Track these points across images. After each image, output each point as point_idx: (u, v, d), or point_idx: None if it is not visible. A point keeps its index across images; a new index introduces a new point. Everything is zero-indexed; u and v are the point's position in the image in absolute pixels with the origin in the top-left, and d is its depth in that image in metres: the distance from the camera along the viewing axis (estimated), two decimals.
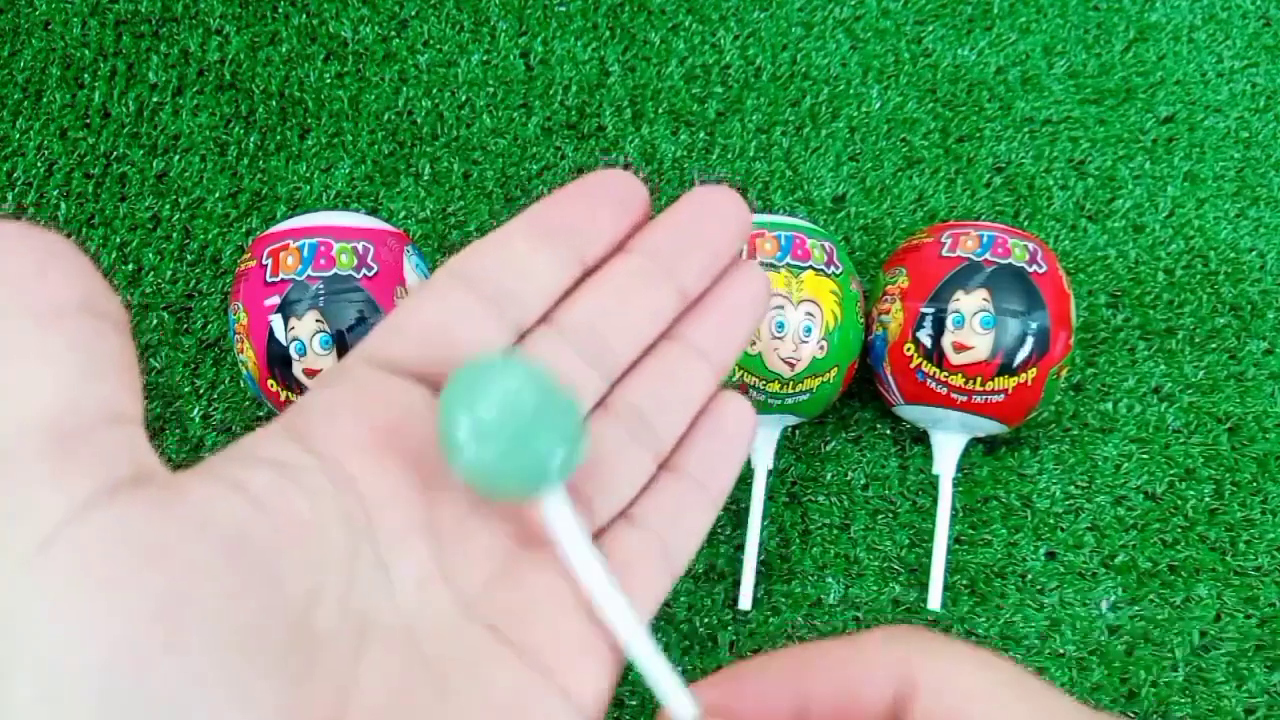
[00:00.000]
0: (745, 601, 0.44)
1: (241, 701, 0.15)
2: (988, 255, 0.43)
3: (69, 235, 0.51)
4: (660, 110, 0.55)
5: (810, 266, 0.43)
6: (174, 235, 0.51)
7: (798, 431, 0.48)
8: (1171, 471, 0.48)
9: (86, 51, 0.55)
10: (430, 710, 0.18)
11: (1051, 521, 0.47)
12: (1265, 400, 0.49)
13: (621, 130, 0.54)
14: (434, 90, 0.55)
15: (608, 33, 0.57)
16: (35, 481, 0.15)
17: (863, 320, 0.45)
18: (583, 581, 0.20)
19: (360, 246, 0.42)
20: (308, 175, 0.53)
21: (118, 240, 0.51)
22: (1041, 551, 0.46)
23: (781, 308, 0.42)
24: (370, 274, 0.41)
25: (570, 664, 0.20)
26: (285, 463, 0.19)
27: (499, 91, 0.55)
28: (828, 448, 0.48)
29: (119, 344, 0.17)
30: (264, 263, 0.42)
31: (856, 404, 0.49)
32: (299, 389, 0.41)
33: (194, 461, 0.18)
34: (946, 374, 0.43)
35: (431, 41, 0.56)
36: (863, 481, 0.47)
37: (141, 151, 0.53)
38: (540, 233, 0.22)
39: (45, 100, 0.54)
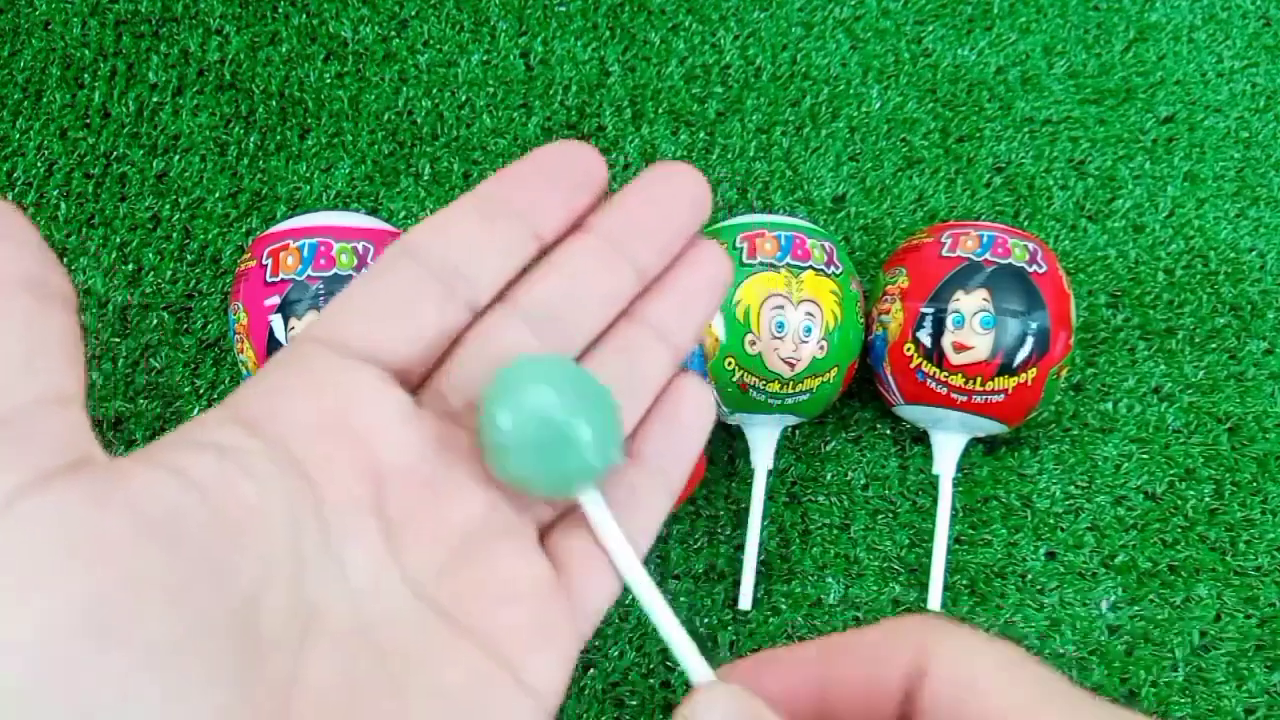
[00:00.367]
0: (745, 601, 0.44)
1: (180, 701, 0.15)
2: (988, 255, 0.43)
3: (69, 235, 0.51)
4: (660, 110, 0.55)
5: (810, 266, 0.43)
6: (174, 235, 0.51)
7: (798, 431, 0.48)
8: (1171, 471, 0.48)
9: (86, 51, 0.55)
10: (382, 701, 0.18)
11: (1051, 521, 0.47)
12: (1265, 400, 0.49)
13: (621, 130, 0.54)
14: (434, 90, 0.55)
15: (608, 33, 0.57)
16: None
17: (863, 320, 0.45)
18: (623, 575, 0.21)
19: (360, 246, 0.42)
20: (308, 175, 0.53)
21: (118, 240, 0.51)
22: (1041, 551, 0.46)
23: (781, 308, 0.42)
24: None
25: (527, 653, 0.19)
26: (230, 447, 0.18)
27: (499, 91, 0.55)
28: (828, 448, 0.48)
29: (64, 322, 0.17)
30: (264, 263, 0.42)
31: (856, 404, 0.49)
32: None
33: None
34: (946, 374, 0.43)
35: (431, 41, 0.56)
36: (863, 481, 0.47)
37: (141, 151, 0.53)
38: (494, 209, 0.22)
39: (45, 100, 0.54)
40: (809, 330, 0.42)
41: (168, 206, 0.52)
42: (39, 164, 0.53)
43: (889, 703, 0.19)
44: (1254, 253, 0.53)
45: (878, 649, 0.20)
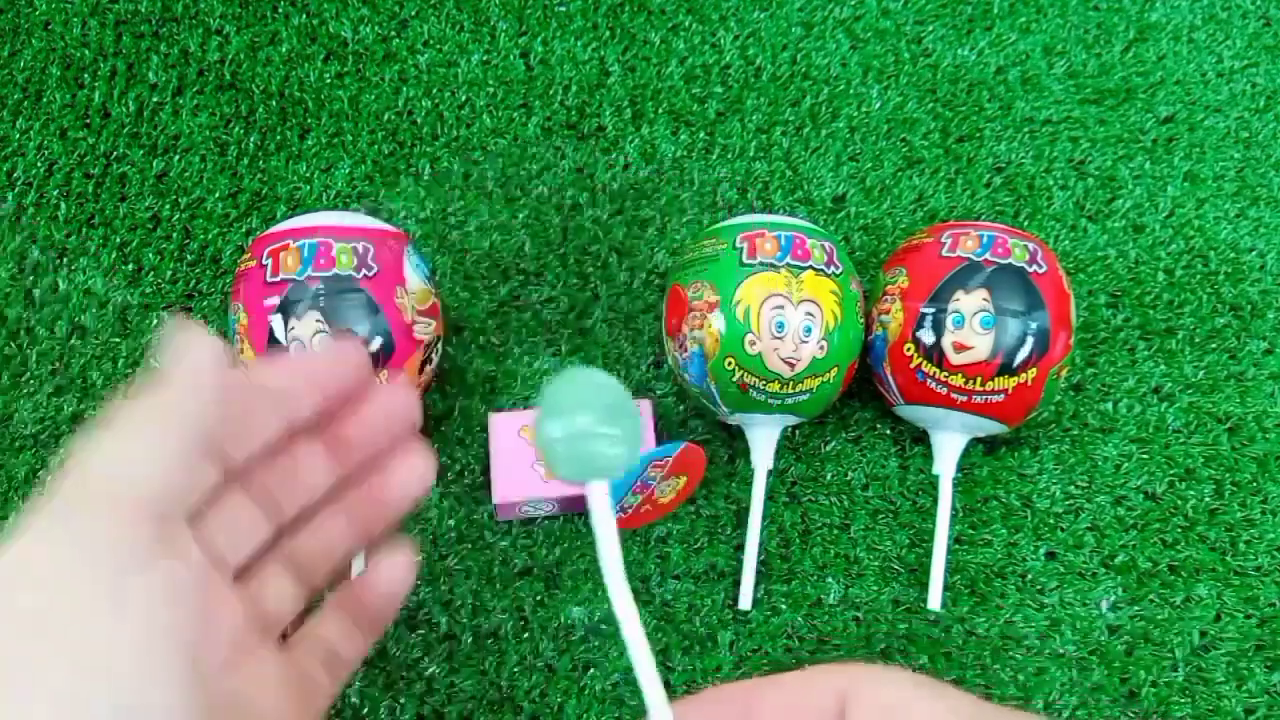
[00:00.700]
0: (745, 601, 0.44)
1: None
2: (988, 255, 0.43)
3: (69, 235, 0.51)
4: (660, 110, 0.55)
5: (810, 266, 0.43)
6: (174, 235, 0.51)
7: (798, 431, 0.48)
8: (1171, 471, 0.48)
9: (86, 51, 0.55)
10: None
11: (1051, 521, 0.47)
12: (1265, 400, 0.49)
13: (621, 130, 0.54)
14: (434, 90, 0.55)
15: (608, 33, 0.57)
16: None
17: (863, 320, 0.45)
18: (605, 567, 0.24)
19: (360, 246, 0.42)
20: (308, 175, 0.53)
21: (118, 240, 0.51)
22: (1041, 551, 0.46)
23: (781, 308, 0.42)
24: (370, 274, 0.41)
25: None
26: None
27: (499, 91, 0.55)
28: (828, 448, 0.48)
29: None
30: (264, 263, 0.42)
31: (856, 404, 0.49)
32: None
33: None
34: (946, 374, 0.43)
35: (431, 41, 0.56)
36: (863, 481, 0.47)
37: (141, 151, 0.53)
38: (267, 390, 0.27)
39: (45, 100, 0.54)
40: (809, 330, 0.42)
41: (168, 206, 0.52)
42: (39, 164, 0.53)
43: None
44: (1254, 253, 0.53)
45: (801, 688, 0.23)
